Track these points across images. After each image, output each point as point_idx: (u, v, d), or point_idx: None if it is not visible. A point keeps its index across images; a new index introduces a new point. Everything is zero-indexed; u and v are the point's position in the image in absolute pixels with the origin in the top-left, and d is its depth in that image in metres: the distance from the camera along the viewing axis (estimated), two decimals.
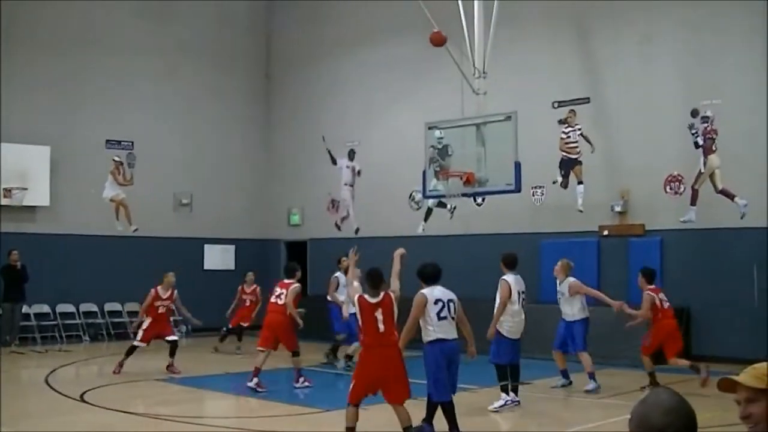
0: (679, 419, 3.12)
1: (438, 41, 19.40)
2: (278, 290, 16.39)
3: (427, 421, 11.50)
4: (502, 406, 13.68)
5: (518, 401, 13.88)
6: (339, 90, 27.93)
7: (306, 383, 16.03)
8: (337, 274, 19.39)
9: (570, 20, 22.71)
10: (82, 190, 25.58)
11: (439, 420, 11.34)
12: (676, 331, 16.17)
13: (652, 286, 16.25)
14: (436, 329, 11.14)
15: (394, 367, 10.46)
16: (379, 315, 10.37)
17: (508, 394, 13.78)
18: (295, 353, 16.17)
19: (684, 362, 15.95)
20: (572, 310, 16.16)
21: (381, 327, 10.34)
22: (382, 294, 10.49)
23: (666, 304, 16.11)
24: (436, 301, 11.17)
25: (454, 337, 11.28)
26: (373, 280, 10.61)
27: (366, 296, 10.48)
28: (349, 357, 18.40)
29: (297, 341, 16.27)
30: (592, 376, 15.93)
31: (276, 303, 16.22)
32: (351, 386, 10.51)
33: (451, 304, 11.27)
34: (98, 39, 25.92)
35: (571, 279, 16.34)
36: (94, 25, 25.95)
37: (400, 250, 11.20)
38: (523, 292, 14.13)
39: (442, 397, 11.27)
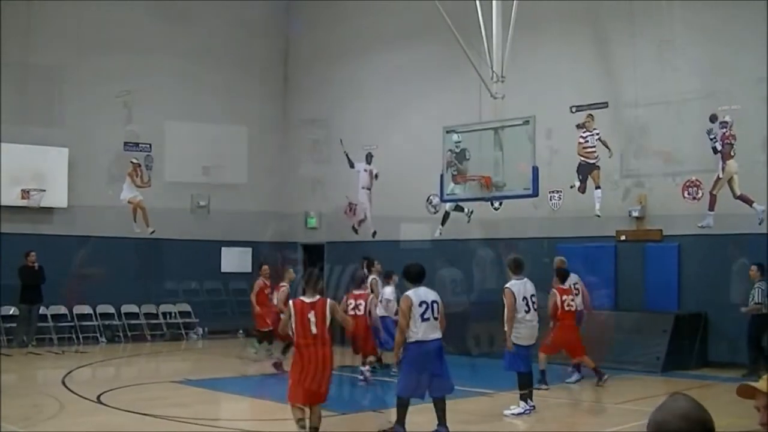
0: (696, 425, 3.11)
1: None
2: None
3: (399, 422, 11.56)
4: (520, 414, 13.63)
5: (533, 406, 13.83)
6: (357, 93, 27.91)
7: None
8: (372, 277, 19.48)
9: (588, 25, 22.64)
10: (100, 191, 25.64)
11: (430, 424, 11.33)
12: (574, 334, 16.48)
13: (564, 286, 16.67)
14: (418, 331, 11.29)
15: (326, 367, 10.67)
16: (312, 317, 10.51)
17: (527, 402, 13.72)
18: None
19: (590, 363, 16.49)
20: None
21: (313, 329, 10.50)
22: (317, 297, 10.73)
23: (568, 306, 16.28)
24: (421, 303, 11.33)
25: (435, 338, 11.42)
26: (310, 281, 10.93)
27: (302, 297, 10.74)
28: (379, 360, 18.68)
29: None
30: (576, 367, 16.78)
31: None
32: (289, 385, 10.70)
33: (435, 305, 11.44)
34: (117, 41, 25.93)
35: None
36: (113, 27, 25.96)
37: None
38: (533, 296, 13.99)
39: (403, 393, 11.47)
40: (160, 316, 26.11)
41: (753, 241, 19.30)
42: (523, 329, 13.77)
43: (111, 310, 25.22)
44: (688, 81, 20.72)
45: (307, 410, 10.79)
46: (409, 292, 11.50)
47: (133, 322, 25.56)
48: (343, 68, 28.32)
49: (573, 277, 17.23)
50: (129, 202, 26.33)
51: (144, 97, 26.47)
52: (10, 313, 23.32)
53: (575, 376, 16.75)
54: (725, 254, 19.90)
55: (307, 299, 10.72)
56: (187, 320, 26.15)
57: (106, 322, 25.06)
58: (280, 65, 30.20)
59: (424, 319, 11.31)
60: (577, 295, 17.14)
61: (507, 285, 13.95)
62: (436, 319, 11.43)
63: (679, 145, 20.81)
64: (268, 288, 20.67)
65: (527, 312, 13.80)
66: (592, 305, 18.16)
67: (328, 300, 10.89)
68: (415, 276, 11.71)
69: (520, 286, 13.87)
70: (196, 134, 27.46)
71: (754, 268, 18.26)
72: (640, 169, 21.40)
